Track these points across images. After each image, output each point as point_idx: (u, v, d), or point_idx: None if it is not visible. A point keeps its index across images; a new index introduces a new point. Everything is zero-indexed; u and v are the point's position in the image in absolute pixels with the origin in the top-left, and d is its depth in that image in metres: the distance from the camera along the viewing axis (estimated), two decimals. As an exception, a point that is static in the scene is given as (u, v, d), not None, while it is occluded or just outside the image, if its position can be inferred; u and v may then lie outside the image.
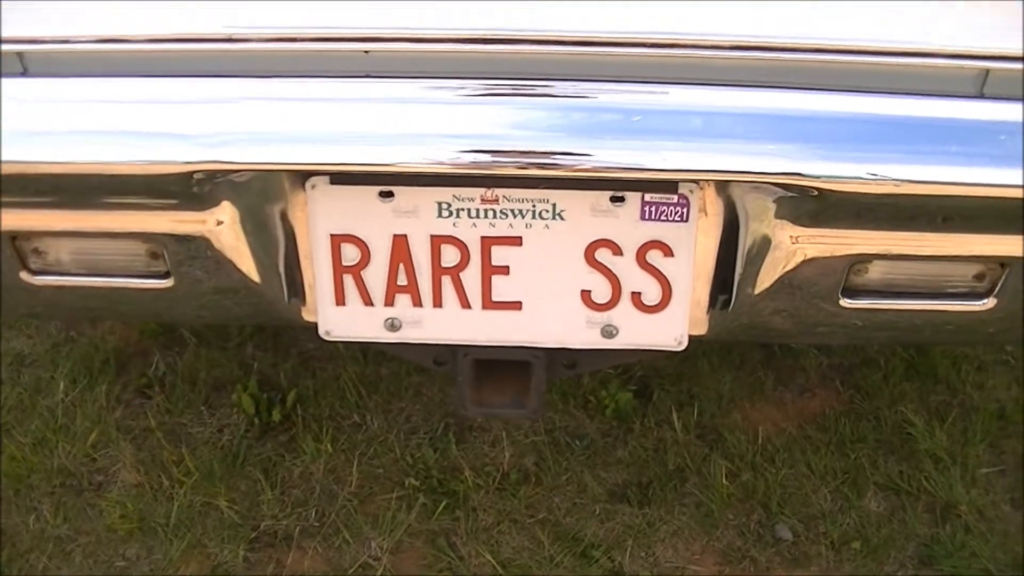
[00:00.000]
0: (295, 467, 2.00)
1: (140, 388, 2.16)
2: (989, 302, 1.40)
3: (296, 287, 1.41)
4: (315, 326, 1.44)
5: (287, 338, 2.25)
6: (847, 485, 1.98)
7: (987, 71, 1.25)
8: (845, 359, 2.26)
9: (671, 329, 1.41)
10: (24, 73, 1.26)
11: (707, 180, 1.27)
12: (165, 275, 1.38)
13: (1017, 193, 1.22)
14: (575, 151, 1.20)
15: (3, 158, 1.23)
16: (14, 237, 1.38)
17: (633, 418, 2.11)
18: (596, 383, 2.14)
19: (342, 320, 1.40)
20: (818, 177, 1.22)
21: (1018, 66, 1.24)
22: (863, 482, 1.98)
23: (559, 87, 1.21)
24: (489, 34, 1.20)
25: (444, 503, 1.92)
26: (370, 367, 2.19)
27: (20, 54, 1.27)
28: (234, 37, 1.21)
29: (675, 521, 1.92)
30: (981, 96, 1.26)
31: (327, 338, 1.41)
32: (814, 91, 1.24)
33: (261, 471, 1.98)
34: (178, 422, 2.07)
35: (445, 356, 1.49)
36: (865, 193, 1.23)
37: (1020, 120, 1.22)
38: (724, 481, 1.97)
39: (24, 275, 1.41)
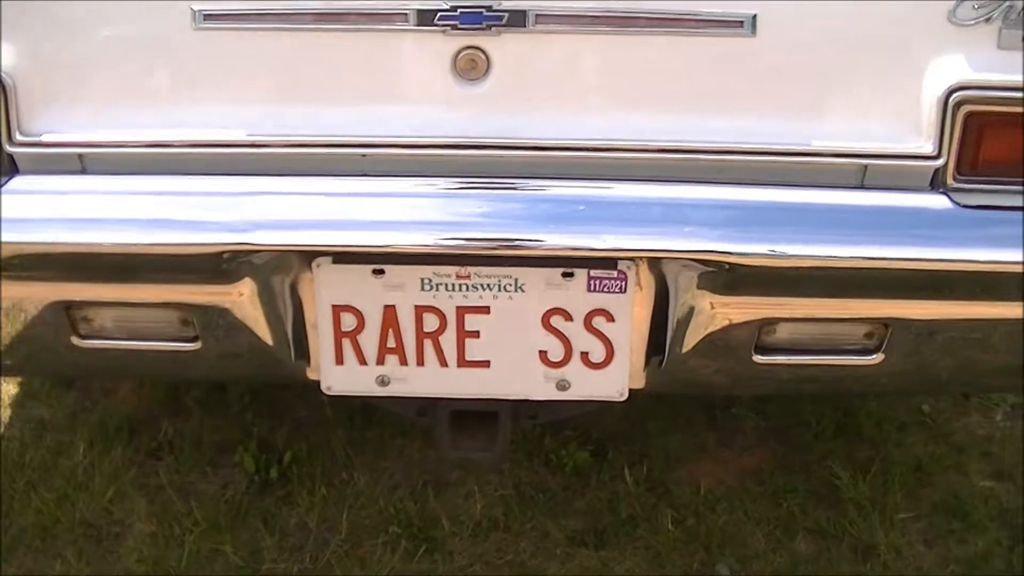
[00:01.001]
0: (292, 517, 2.24)
1: (151, 451, 2.39)
2: (878, 357, 1.63)
3: (302, 349, 1.63)
4: (318, 383, 1.65)
5: (283, 405, 2.50)
6: (780, 529, 2.23)
7: (865, 167, 1.53)
8: (780, 421, 2.51)
9: (614, 383, 1.63)
10: (83, 171, 1.52)
11: (640, 258, 1.51)
12: (194, 339, 1.61)
13: (892, 264, 1.48)
14: (533, 237, 1.47)
15: (66, 240, 1.49)
16: (68, 306, 1.59)
17: (590, 474, 2.35)
18: (557, 443, 2.39)
19: (340, 377, 1.63)
20: (730, 254, 1.48)
21: (891, 163, 1.51)
22: (794, 527, 2.23)
23: (520, 183, 1.48)
24: (464, 141, 1.47)
25: (424, 548, 2.17)
26: (357, 431, 2.44)
27: (80, 156, 1.51)
28: (256, 143, 1.48)
29: (627, 562, 2.16)
30: (862, 187, 1.54)
31: (328, 393, 1.64)
32: (726, 185, 1.50)
33: (261, 521, 2.22)
34: (186, 479, 2.31)
35: (426, 408, 1.72)
36: (769, 267, 1.49)
37: (893, 205, 1.51)
38: (670, 527, 2.21)
39: (74, 339, 1.63)
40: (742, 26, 1.45)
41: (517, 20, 1.43)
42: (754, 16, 1.44)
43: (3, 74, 1.46)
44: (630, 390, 1.67)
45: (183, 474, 2.34)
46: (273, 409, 2.51)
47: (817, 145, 1.52)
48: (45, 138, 1.51)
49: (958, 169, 1.51)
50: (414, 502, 2.27)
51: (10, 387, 2.57)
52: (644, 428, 2.48)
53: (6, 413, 2.52)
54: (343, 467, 2.36)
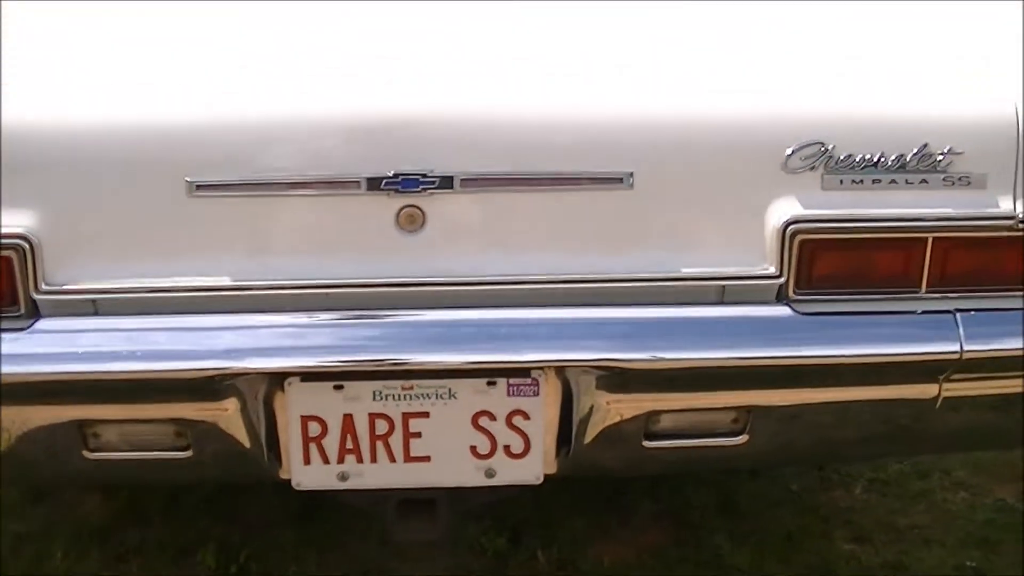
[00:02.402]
0: (252, 608, 2.53)
1: (120, 554, 2.62)
2: (743, 438, 1.93)
3: (275, 453, 1.88)
4: (288, 481, 1.90)
5: (238, 508, 2.76)
6: (675, 595, 2.58)
7: (724, 287, 1.85)
8: (670, 504, 2.85)
9: (532, 470, 1.91)
10: (95, 313, 1.79)
11: (549, 367, 1.83)
12: (186, 448, 1.86)
13: (745, 362, 1.80)
14: (464, 357, 1.79)
15: (83, 370, 1.75)
16: (80, 425, 1.83)
17: (508, 557, 2.65)
18: (479, 531, 2.68)
19: (308, 475, 1.88)
20: (620, 361, 1.79)
21: (744, 283, 1.83)
22: (687, 592, 2.58)
23: (451, 313, 1.79)
24: (407, 280, 1.78)
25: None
26: (305, 529, 2.70)
27: (94, 301, 1.78)
28: (239, 287, 1.76)
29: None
30: (722, 302, 1.86)
31: (297, 488, 1.88)
32: (615, 306, 1.81)
33: (227, 612, 2.51)
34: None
35: (377, 499, 1.99)
36: (651, 369, 1.80)
37: (746, 315, 1.84)
38: (582, 601, 2.55)
39: (84, 452, 1.86)
40: (622, 181, 1.77)
41: (446, 184, 1.73)
42: (631, 173, 1.76)
43: (30, 235, 1.72)
44: (544, 475, 1.93)
45: (152, 572, 2.57)
46: (229, 512, 2.75)
47: (684, 272, 1.83)
48: (65, 287, 1.75)
49: (796, 285, 1.83)
50: (360, 589, 2.56)
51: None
52: (553, 514, 2.76)
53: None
54: (293, 560, 2.61)
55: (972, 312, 1.87)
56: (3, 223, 1.73)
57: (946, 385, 1.91)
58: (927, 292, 1.88)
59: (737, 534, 2.74)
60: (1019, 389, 1.96)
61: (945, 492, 2.95)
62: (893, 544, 2.74)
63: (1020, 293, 1.90)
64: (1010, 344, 1.88)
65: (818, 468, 2.97)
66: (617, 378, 1.84)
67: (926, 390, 1.92)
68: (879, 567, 2.65)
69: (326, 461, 1.89)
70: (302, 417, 1.86)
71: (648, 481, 2.95)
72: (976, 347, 1.85)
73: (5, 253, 1.73)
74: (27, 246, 1.74)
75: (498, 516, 2.74)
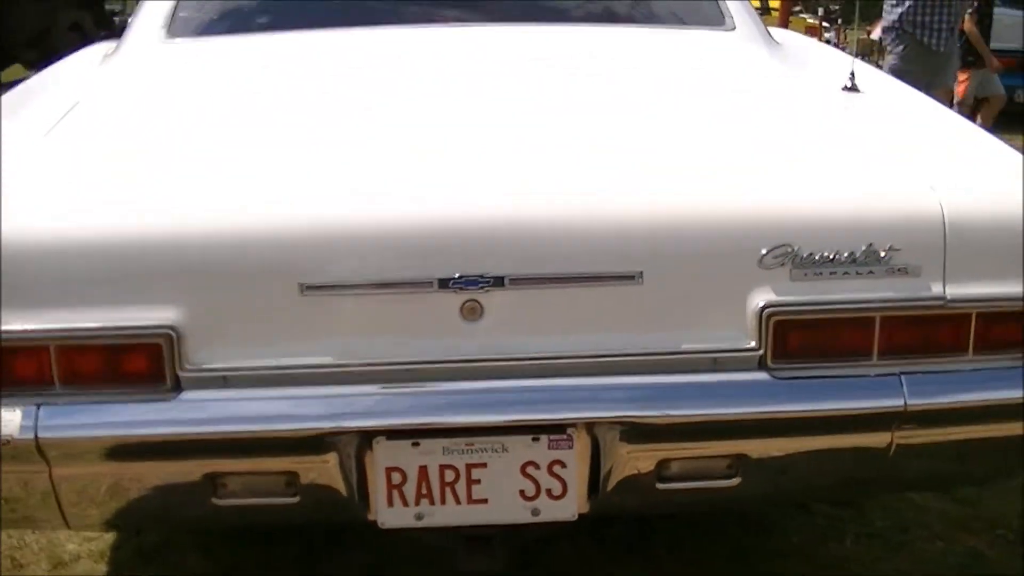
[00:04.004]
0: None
1: None
2: (736, 480, 2.30)
3: (364, 498, 2.25)
4: (374, 522, 2.26)
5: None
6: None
7: (716, 358, 2.24)
8: (690, 553, 3.22)
9: (568, 509, 2.27)
10: (225, 386, 2.18)
11: (580, 424, 2.22)
12: (294, 495, 2.24)
13: (733, 417, 2.23)
14: (518, 416, 2.23)
15: (216, 431, 2.17)
16: (212, 476, 2.21)
17: None
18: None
19: (390, 516, 2.25)
20: (638, 417, 2.21)
21: (732, 355, 2.23)
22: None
23: (509, 383, 2.21)
24: (472, 358, 2.19)
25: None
26: None
27: (224, 377, 2.17)
28: (342, 366, 2.18)
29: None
30: (714, 370, 2.25)
31: (382, 527, 2.25)
32: (631, 375, 2.23)
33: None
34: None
35: (446, 536, 2.40)
36: (662, 424, 2.23)
37: (732, 380, 2.25)
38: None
39: (213, 499, 2.24)
40: (634, 279, 2.18)
41: (498, 283, 2.13)
42: (641, 272, 2.18)
43: (175, 326, 2.13)
44: (579, 514, 2.29)
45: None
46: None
47: (685, 347, 2.23)
48: (203, 367, 2.14)
49: (773, 356, 2.22)
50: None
51: None
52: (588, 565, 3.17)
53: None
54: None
55: (915, 374, 2.28)
56: (154, 317, 2.14)
57: (897, 434, 2.30)
58: (878, 360, 2.27)
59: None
60: (959, 437, 2.38)
61: (923, 543, 3.31)
62: None
63: (952, 358, 2.31)
64: (946, 399, 2.30)
65: (803, 506, 3.36)
66: (635, 432, 2.24)
67: (882, 438, 2.31)
68: None
69: (405, 504, 2.26)
70: (386, 468, 2.24)
71: (668, 533, 3.28)
72: (918, 402, 2.26)
73: (156, 341, 2.15)
74: (173, 335, 2.13)
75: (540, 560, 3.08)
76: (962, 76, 9.75)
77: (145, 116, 2.88)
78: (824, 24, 32.91)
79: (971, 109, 9.82)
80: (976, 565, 3.24)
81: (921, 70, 7.98)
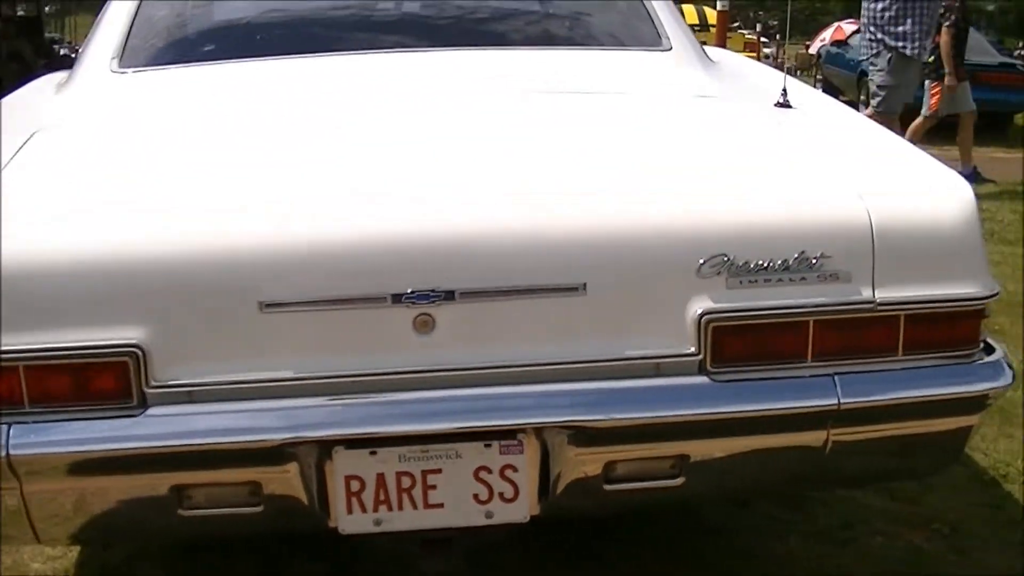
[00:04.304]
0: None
1: None
2: (680, 480, 2.42)
3: (324, 506, 2.34)
4: (335, 528, 2.35)
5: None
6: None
7: (658, 364, 2.36)
8: (645, 554, 3.33)
9: (520, 511, 2.38)
10: (191, 401, 2.27)
11: (530, 430, 2.33)
12: (257, 504, 2.32)
13: (673, 419, 2.34)
14: (464, 423, 2.33)
15: (182, 444, 2.26)
16: (178, 488, 2.30)
17: None
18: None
19: (350, 522, 2.34)
20: (583, 421, 2.32)
21: (672, 360, 2.35)
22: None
23: (457, 393, 2.31)
24: (423, 369, 2.29)
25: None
26: None
27: (189, 392, 2.26)
28: (299, 379, 2.28)
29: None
30: (658, 375, 2.36)
31: (342, 533, 2.34)
32: (577, 381, 2.33)
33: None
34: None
35: (404, 540, 2.49)
36: (606, 427, 2.33)
37: (674, 384, 2.36)
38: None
39: (180, 511, 2.32)
40: (578, 290, 2.29)
41: (449, 296, 2.24)
42: (585, 283, 2.29)
43: (141, 344, 2.22)
44: (530, 516, 2.39)
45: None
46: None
47: (628, 354, 2.34)
48: (168, 383, 2.23)
49: (712, 360, 2.33)
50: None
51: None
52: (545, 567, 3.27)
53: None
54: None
55: (847, 374, 2.41)
56: (120, 336, 2.23)
57: (832, 432, 2.43)
58: (812, 362, 2.40)
59: (691, 575, 3.24)
60: (891, 433, 2.52)
61: (865, 539, 3.44)
62: None
63: (883, 358, 2.44)
64: (877, 397, 2.43)
65: (747, 506, 3.49)
66: (582, 436, 2.34)
67: (818, 436, 2.44)
68: None
69: (364, 511, 2.36)
70: (345, 476, 2.33)
71: (625, 536, 3.39)
72: (851, 400, 2.39)
73: (123, 359, 2.24)
74: (139, 353, 2.22)
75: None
76: (934, 88, 9.94)
77: (101, 144, 2.96)
78: (763, 39, 33.17)
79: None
80: (914, 559, 3.37)
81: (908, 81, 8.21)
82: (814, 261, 2.35)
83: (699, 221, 2.39)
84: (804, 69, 26.69)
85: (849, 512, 3.59)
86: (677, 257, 2.34)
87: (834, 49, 19.26)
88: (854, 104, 16.60)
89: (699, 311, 2.34)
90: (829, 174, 2.58)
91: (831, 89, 19.12)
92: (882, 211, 2.40)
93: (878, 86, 8.82)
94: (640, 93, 3.25)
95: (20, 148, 2.80)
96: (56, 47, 20.60)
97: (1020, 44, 21.76)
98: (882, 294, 2.40)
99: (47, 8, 20.45)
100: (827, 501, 3.63)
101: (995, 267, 6.28)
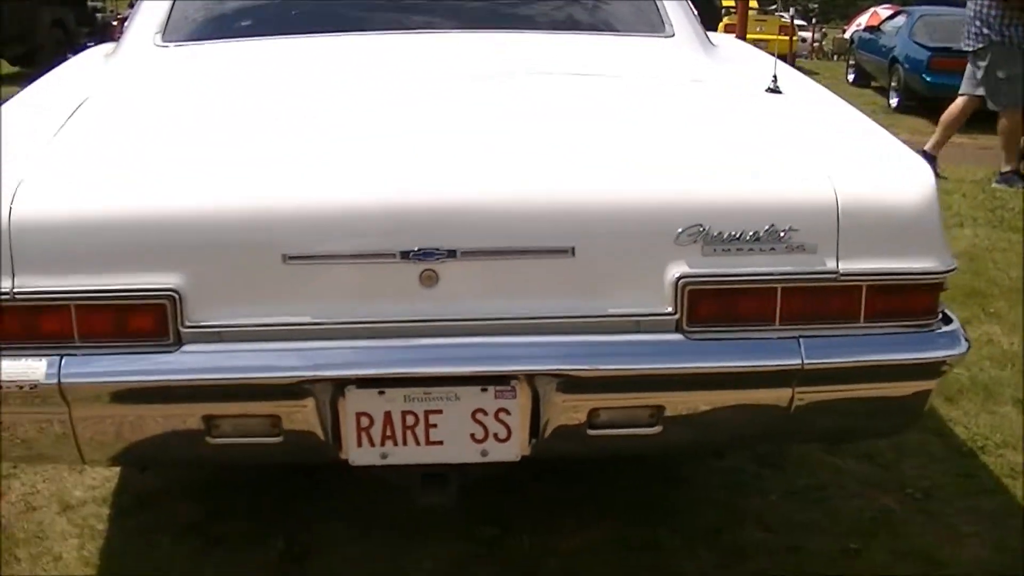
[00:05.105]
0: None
1: (211, 541, 3.34)
2: (658, 428, 2.63)
3: (337, 439, 2.57)
4: (345, 460, 2.59)
5: (302, 507, 3.57)
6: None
7: (638, 322, 2.56)
8: (623, 502, 3.60)
9: (513, 451, 2.60)
10: (220, 341, 2.50)
11: (522, 376, 2.54)
12: (278, 435, 2.57)
13: (650, 371, 2.56)
14: (462, 368, 2.56)
15: (213, 378, 2.52)
16: (208, 417, 2.54)
17: (499, 541, 3.40)
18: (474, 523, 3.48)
19: (359, 455, 2.57)
20: (571, 370, 2.53)
21: (651, 318, 2.55)
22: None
23: (460, 340, 2.54)
24: (428, 318, 2.51)
25: None
26: (352, 520, 3.47)
27: (219, 332, 2.49)
28: (318, 323, 2.53)
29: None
30: (638, 331, 2.57)
31: (352, 464, 2.58)
32: (565, 334, 2.55)
33: None
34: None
35: (406, 474, 2.76)
36: (591, 377, 2.55)
37: (651, 340, 2.58)
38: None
39: (208, 439, 2.57)
40: (567, 252, 2.50)
41: (451, 255, 2.45)
42: (573, 247, 2.52)
43: (178, 289, 2.46)
44: (521, 456, 2.62)
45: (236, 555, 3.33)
46: (295, 509, 3.53)
47: (611, 311, 2.55)
48: (201, 324, 2.47)
49: (688, 320, 2.54)
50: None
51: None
52: (535, 511, 3.53)
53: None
54: (334, 541, 3.40)
55: (812, 338, 2.63)
56: (160, 281, 2.49)
57: (797, 390, 2.65)
58: (779, 325, 2.62)
59: (674, 526, 3.45)
60: (851, 395, 2.76)
61: (840, 500, 3.69)
62: (794, 534, 3.47)
63: (845, 325, 2.66)
64: (838, 360, 2.66)
65: (718, 456, 3.76)
66: (569, 384, 2.56)
67: (783, 394, 2.66)
68: (781, 549, 3.39)
69: (372, 444, 2.59)
70: (356, 413, 2.56)
71: (607, 484, 3.66)
72: (814, 361, 2.62)
73: (162, 301, 2.49)
74: (176, 296, 2.47)
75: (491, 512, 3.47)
76: None
77: (146, 112, 3.26)
78: (801, 23, 32.72)
79: None
80: (884, 520, 3.62)
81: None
82: (783, 233, 2.55)
83: (678, 194, 2.60)
84: (840, 54, 26.53)
85: (827, 475, 3.86)
86: (658, 226, 2.55)
87: (867, 35, 19.14)
88: (884, 91, 16.78)
89: (676, 275, 2.55)
90: (802, 155, 2.77)
91: (863, 75, 19.18)
92: (848, 190, 2.60)
93: (996, 80, 8.95)
94: (638, 76, 3.51)
95: (73, 113, 3.08)
96: (98, 15, 20.92)
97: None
98: (845, 265, 2.60)
99: (87, -25, 20.74)
100: (807, 463, 3.90)
101: (1000, 253, 6.63)
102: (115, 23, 14.05)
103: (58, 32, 18.44)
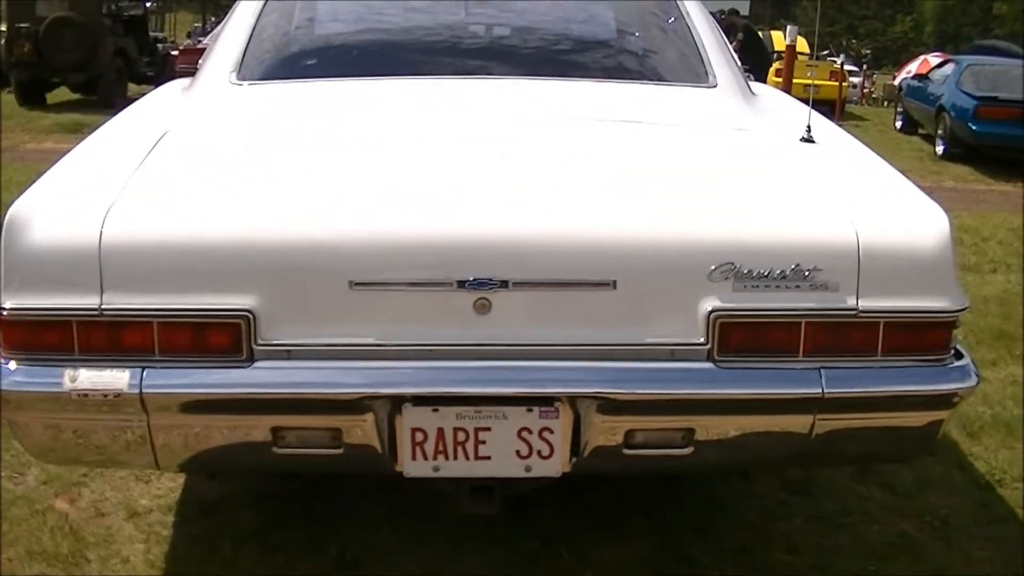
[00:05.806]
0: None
1: (271, 547, 3.54)
2: (689, 449, 2.81)
3: (393, 452, 2.75)
4: (400, 472, 2.77)
5: (356, 518, 3.77)
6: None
7: (673, 351, 2.78)
8: (661, 521, 3.79)
9: (555, 467, 2.77)
10: (289, 358, 2.72)
11: (565, 398, 2.72)
12: (339, 447, 2.76)
13: (683, 397, 2.76)
14: (511, 390, 2.76)
15: (281, 392, 2.74)
16: (275, 429, 2.74)
17: (539, 555, 3.57)
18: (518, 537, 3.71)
19: (413, 468, 2.76)
20: (610, 394, 2.72)
21: (685, 348, 2.78)
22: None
23: (510, 364, 2.73)
24: (482, 343, 2.70)
25: None
26: (398, 528, 3.67)
27: (288, 351, 2.69)
28: (380, 345, 2.75)
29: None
30: (671, 359, 2.76)
31: (407, 476, 2.77)
32: (606, 360, 2.74)
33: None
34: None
35: (456, 486, 2.97)
36: (629, 400, 2.74)
37: (684, 367, 2.78)
38: None
39: (274, 449, 2.77)
40: (610, 286, 2.70)
41: (504, 285, 2.64)
42: (615, 280, 2.72)
43: (252, 309, 2.67)
44: (562, 473, 2.79)
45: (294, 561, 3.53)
46: (350, 521, 3.72)
47: (649, 341, 2.74)
48: (272, 342, 2.67)
49: (718, 350, 2.73)
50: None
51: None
52: (573, 528, 3.71)
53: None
54: (384, 551, 3.59)
55: (832, 369, 2.83)
56: (236, 302, 2.70)
57: (817, 417, 2.84)
58: (803, 357, 2.82)
59: (706, 545, 3.61)
60: (868, 423, 2.95)
61: (863, 525, 3.87)
62: (818, 556, 3.65)
63: (864, 358, 2.86)
64: (857, 389, 2.85)
65: (743, 477, 3.93)
66: (608, 406, 2.74)
67: (805, 420, 2.85)
68: (806, 569, 3.58)
69: (425, 458, 2.78)
70: (411, 428, 2.75)
71: (644, 503, 3.83)
72: (833, 390, 2.81)
73: (237, 320, 2.71)
74: (250, 316, 2.68)
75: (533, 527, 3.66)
76: None
77: (222, 145, 3.50)
78: (852, 68, 32.64)
79: None
80: (903, 544, 3.80)
81: None
82: (807, 272, 2.75)
83: (713, 234, 2.79)
84: (890, 100, 26.48)
85: (852, 502, 4.05)
86: (693, 263, 2.74)
87: (916, 82, 19.21)
88: (931, 138, 16.85)
89: (709, 308, 2.74)
90: (828, 200, 2.96)
91: (910, 122, 19.21)
92: (868, 234, 2.80)
93: None
94: (681, 124, 3.73)
95: (155, 145, 3.34)
96: (159, 45, 21.29)
97: None
98: (865, 303, 2.79)
99: (148, 5, 21.13)
100: (833, 490, 4.10)
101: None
102: (175, 52, 14.36)
103: (119, 61, 18.85)
